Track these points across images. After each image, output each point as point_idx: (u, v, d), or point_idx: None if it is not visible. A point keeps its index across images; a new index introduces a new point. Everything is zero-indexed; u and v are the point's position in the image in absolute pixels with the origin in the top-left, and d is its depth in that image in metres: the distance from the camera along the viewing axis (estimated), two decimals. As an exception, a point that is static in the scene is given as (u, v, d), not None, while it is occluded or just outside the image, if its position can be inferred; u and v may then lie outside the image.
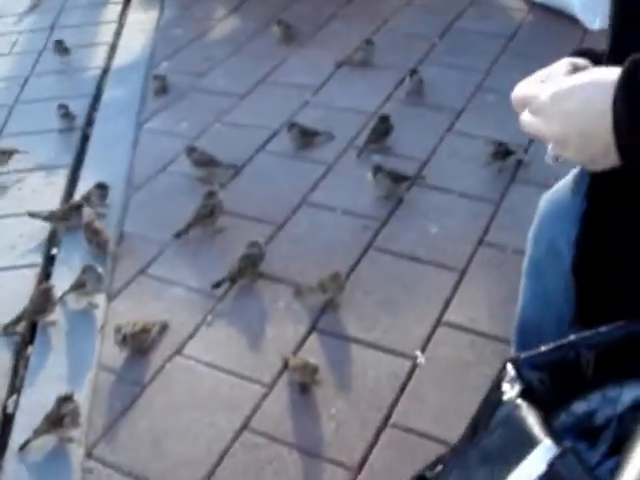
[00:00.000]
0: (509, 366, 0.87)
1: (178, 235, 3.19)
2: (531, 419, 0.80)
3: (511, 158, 3.36)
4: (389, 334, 2.68)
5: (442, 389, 2.49)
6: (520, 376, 0.86)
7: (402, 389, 2.50)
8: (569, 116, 0.87)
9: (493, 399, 0.87)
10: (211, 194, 3.26)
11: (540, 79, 0.99)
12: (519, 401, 0.83)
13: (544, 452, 0.75)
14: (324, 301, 2.81)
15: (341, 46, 4.48)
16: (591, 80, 0.87)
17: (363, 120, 3.82)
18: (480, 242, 3.00)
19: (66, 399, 2.46)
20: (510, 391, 0.85)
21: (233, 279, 2.93)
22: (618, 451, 0.79)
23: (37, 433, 2.42)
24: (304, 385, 2.51)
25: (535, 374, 0.86)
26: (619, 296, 1.08)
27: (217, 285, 2.93)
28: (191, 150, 3.59)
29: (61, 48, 4.78)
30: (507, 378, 0.86)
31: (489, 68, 4.19)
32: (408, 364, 2.57)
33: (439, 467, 0.92)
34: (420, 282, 2.89)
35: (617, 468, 0.76)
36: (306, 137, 3.65)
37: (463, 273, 2.88)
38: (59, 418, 2.42)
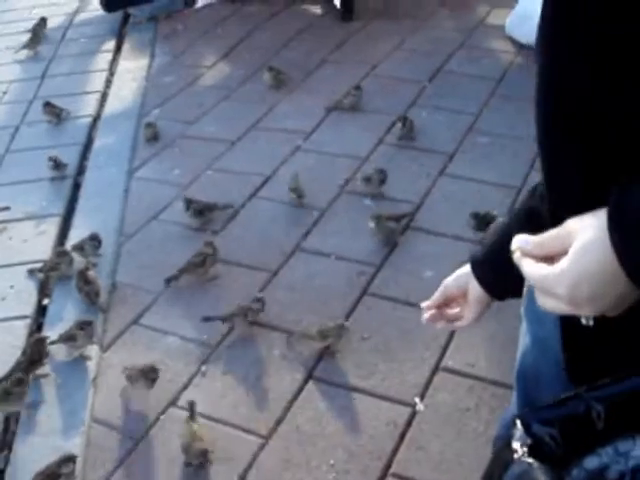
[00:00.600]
0: (518, 423, 0.84)
1: (168, 281, 3.17)
2: (545, 478, 0.77)
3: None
4: (387, 381, 2.65)
5: (442, 436, 2.45)
6: (530, 432, 0.83)
7: (402, 437, 2.46)
8: (588, 294, 0.88)
9: (503, 457, 0.84)
10: (207, 244, 3.24)
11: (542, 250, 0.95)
12: (531, 460, 0.80)
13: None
14: (321, 348, 2.77)
15: (331, 91, 4.50)
16: (582, 248, 0.88)
17: (355, 165, 3.82)
18: (476, 285, 2.97)
19: (69, 459, 2.40)
20: (521, 449, 0.82)
21: (224, 319, 2.92)
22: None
23: None
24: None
25: (545, 430, 0.83)
26: (604, 340, 1.04)
27: (207, 319, 2.93)
28: (189, 202, 3.56)
29: (52, 112, 4.72)
30: (517, 435, 0.83)
31: (479, 110, 4.20)
32: (407, 411, 2.53)
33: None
34: (417, 327, 2.84)
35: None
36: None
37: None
38: (56, 475, 2.36)
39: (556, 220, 0.93)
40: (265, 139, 4.19)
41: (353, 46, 5.18)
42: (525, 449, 0.81)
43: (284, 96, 4.57)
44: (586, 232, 0.86)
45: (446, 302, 1.51)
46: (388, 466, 2.37)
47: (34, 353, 2.84)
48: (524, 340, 1.46)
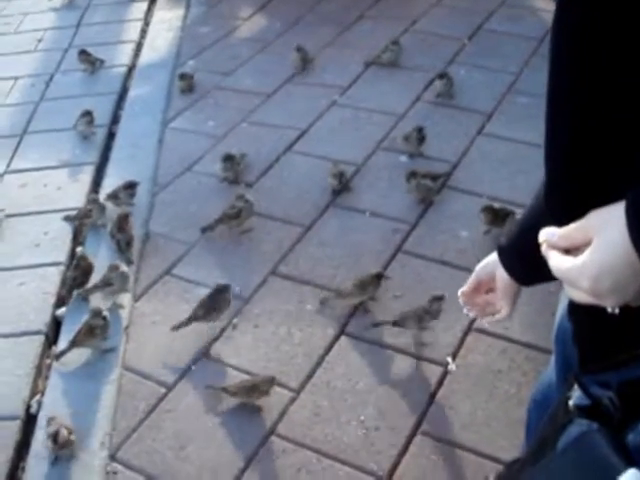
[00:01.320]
0: (576, 384, 0.81)
1: (204, 230, 3.17)
2: (606, 444, 0.75)
3: (509, 219, 2.97)
4: (419, 340, 2.63)
5: (473, 397, 2.44)
6: (588, 394, 0.80)
7: (433, 396, 2.44)
8: (611, 286, 0.90)
9: (560, 417, 0.81)
10: (240, 197, 3.22)
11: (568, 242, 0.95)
12: (590, 423, 0.77)
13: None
14: (357, 303, 2.76)
15: (369, 46, 4.43)
16: (605, 243, 0.90)
17: (392, 121, 3.77)
18: (512, 247, 2.93)
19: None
20: (579, 410, 0.79)
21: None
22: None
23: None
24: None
25: (604, 392, 0.81)
26: (616, 335, 1.03)
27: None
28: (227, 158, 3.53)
29: (88, 60, 4.70)
30: (575, 396, 0.81)
31: (520, 70, 4.12)
32: (439, 371, 2.52)
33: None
34: (450, 287, 2.80)
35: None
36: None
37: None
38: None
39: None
40: (301, 93, 4.14)
41: (391, 1, 5.08)
42: (584, 411, 0.79)
43: (320, 50, 4.51)
44: (607, 227, 0.88)
45: (478, 288, 1.56)
46: (418, 425, 2.37)
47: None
48: (564, 302, 1.43)
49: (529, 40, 4.38)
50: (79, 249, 3.20)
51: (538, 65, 4.10)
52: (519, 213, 2.90)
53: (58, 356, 2.71)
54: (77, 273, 3.01)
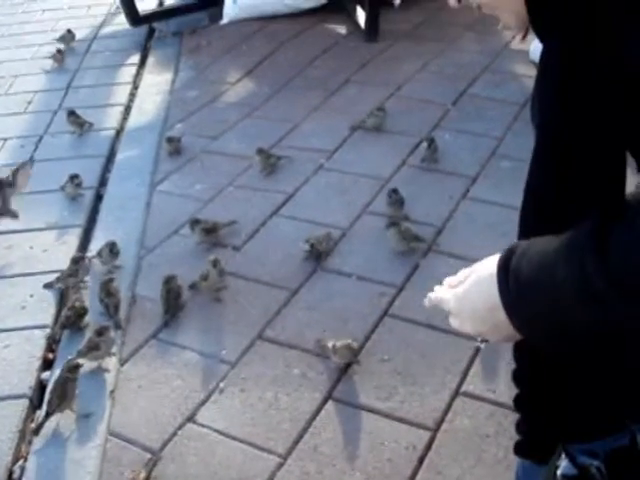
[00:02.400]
0: (563, 454, 0.83)
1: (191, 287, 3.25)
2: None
3: None
4: (406, 404, 2.63)
5: (461, 461, 2.42)
6: (575, 463, 0.82)
7: (420, 461, 2.43)
8: (469, 313, 1.17)
9: (549, 489, 0.83)
10: (211, 262, 3.25)
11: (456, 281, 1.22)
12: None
13: None
14: (341, 366, 2.77)
15: (355, 111, 4.50)
16: (477, 278, 1.20)
17: (377, 186, 3.82)
18: (498, 310, 2.95)
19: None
20: (567, 480, 0.81)
21: None
22: None
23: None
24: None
25: (591, 461, 0.82)
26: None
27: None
28: (195, 222, 3.57)
29: (77, 122, 4.75)
30: (562, 466, 0.82)
31: (503, 135, 4.19)
32: (427, 435, 2.51)
33: None
34: (438, 351, 2.83)
35: None
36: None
37: (482, 342, 2.83)
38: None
39: None
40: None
41: (377, 67, 5.19)
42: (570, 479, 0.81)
43: (307, 115, 4.58)
44: (481, 270, 1.14)
45: None
46: (406, 491, 2.35)
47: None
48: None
49: (511, 105, 4.46)
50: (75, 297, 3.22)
51: (520, 130, 4.18)
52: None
53: (37, 430, 2.67)
54: (71, 313, 3.07)
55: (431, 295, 1.07)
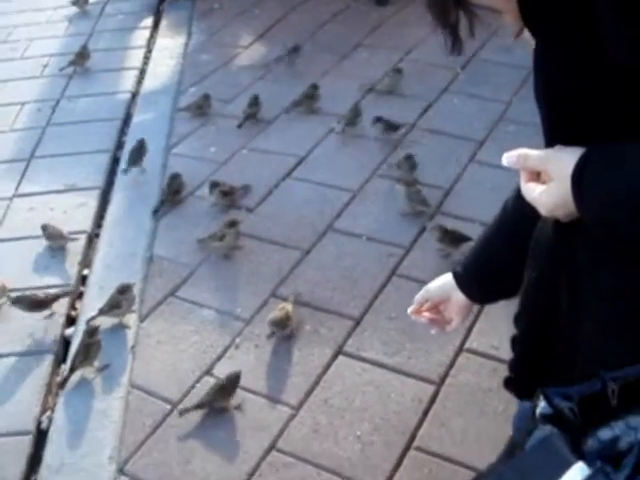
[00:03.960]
0: (541, 396, 0.95)
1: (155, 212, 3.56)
2: (564, 444, 0.89)
3: (463, 245, 3.16)
4: (413, 359, 2.76)
5: (464, 414, 2.57)
6: (552, 405, 0.94)
7: (425, 413, 2.57)
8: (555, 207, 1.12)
9: (528, 425, 0.95)
10: (229, 224, 3.37)
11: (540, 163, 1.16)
12: (552, 428, 0.91)
13: (577, 472, 0.85)
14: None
15: (365, 75, 4.59)
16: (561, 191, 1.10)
17: (388, 148, 3.92)
18: (501, 271, 3.06)
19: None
20: (543, 418, 0.93)
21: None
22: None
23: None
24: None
25: (565, 403, 0.94)
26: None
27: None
28: (214, 185, 3.69)
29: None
30: (540, 406, 0.94)
31: (510, 99, 4.28)
32: (431, 389, 2.64)
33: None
34: (443, 309, 2.96)
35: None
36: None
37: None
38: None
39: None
40: (299, 121, 4.29)
41: (387, 31, 5.25)
42: (547, 418, 0.93)
43: (319, 78, 4.65)
44: (559, 178, 1.08)
45: (430, 307, 1.73)
46: (411, 440, 2.49)
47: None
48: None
49: (519, 69, 4.53)
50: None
51: (528, 94, 4.23)
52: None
53: (62, 384, 2.82)
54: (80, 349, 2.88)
55: (522, 185, 1.14)
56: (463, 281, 1.64)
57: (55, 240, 3.50)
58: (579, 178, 1.05)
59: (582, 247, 1.16)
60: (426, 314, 1.74)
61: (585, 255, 1.16)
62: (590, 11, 1.03)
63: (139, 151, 3.99)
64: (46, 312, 3.11)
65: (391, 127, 3.96)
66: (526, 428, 0.94)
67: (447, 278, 1.69)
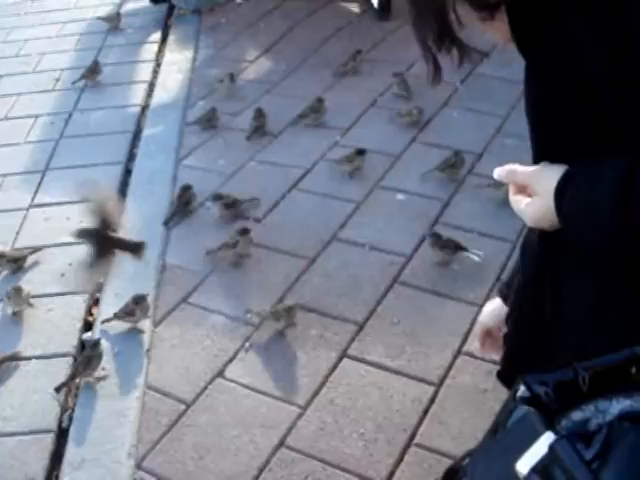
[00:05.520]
0: (521, 382, 1.11)
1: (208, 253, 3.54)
2: (538, 420, 1.05)
3: (461, 254, 3.36)
4: (413, 362, 2.92)
5: (462, 412, 2.72)
6: (530, 390, 1.10)
7: (425, 412, 2.73)
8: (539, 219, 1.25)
9: (509, 406, 1.11)
10: (241, 231, 3.53)
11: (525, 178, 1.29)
12: (529, 408, 1.07)
13: (546, 439, 1.01)
14: (277, 330, 3.09)
15: (368, 89, 4.75)
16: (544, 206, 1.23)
17: (389, 162, 4.08)
18: (498, 279, 3.21)
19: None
20: (522, 400, 1.09)
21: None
22: (607, 451, 1.03)
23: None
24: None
25: (542, 388, 1.10)
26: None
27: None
28: (218, 197, 3.84)
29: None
30: (520, 391, 1.10)
31: (508, 113, 4.43)
32: (431, 390, 2.80)
33: (467, 460, 1.15)
34: (442, 315, 3.12)
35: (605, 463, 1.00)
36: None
37: (482, 307, 3.09)
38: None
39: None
40: (304, 134, 4.45)
41: (389, 45, 5.39)
42: (526, 401, 1.09)
43: (323, 92, 4.81)
44: (544, 194, 1.20)
45: (489, 334, 1.78)
46: (412, 437, 2.65)
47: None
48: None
49: (517, 84, 4.63)
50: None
51: (524, 108, 4.40)
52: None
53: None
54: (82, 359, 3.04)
55: (510, 196, 1.30)
56: (508, 297, 1.66)
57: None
58: (561, 194, 1.18)
59: (564, 256, 1.30)
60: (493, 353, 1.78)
61: (567, 264, 1.30)
62: (571, 33, 1.13)
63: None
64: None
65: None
66: (507, 408, 1.10)
67: (496, 302, 1.75)
